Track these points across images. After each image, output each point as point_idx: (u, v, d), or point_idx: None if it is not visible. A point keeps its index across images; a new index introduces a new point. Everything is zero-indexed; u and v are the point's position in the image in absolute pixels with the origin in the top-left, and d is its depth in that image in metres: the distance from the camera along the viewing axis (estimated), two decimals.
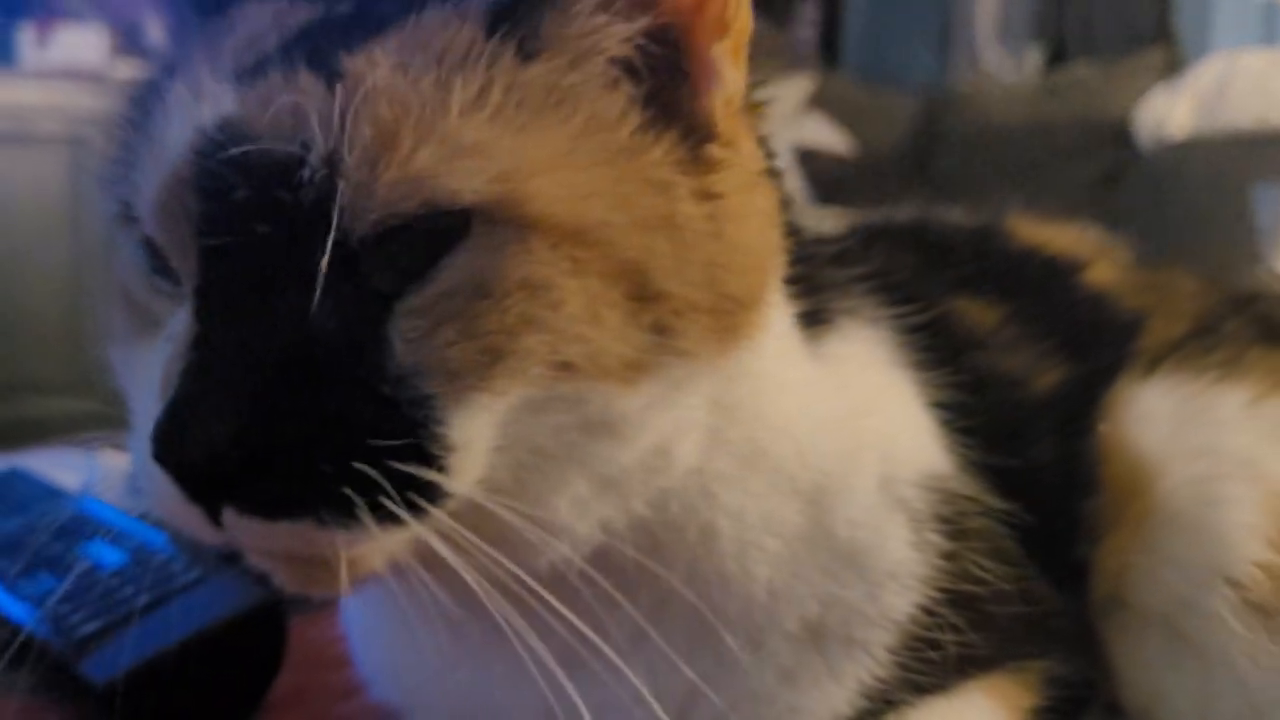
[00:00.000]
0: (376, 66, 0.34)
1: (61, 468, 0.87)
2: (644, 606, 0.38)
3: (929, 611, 0.41)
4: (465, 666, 0.42)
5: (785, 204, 0.44)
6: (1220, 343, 0.55)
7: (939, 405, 0.48)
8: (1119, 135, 3.07)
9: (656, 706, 0.37)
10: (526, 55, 0.36)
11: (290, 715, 0.56)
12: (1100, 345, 0.55)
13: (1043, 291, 0.58)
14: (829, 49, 4.47)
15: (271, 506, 0.32)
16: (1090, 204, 3.26)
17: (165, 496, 0.33)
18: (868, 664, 0.41)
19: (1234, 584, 0.46)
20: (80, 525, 0.69)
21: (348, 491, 0.32)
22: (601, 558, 0.38)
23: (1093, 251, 0.63)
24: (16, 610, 0.61)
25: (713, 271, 0.37)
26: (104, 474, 0.81)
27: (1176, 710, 0.47)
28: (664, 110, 0.38)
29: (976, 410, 0.50)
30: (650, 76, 0.38)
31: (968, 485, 0.44)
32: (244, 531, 0.33)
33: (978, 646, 0.42)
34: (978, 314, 0.56)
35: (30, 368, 2.95)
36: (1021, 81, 3.72)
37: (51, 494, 0.75)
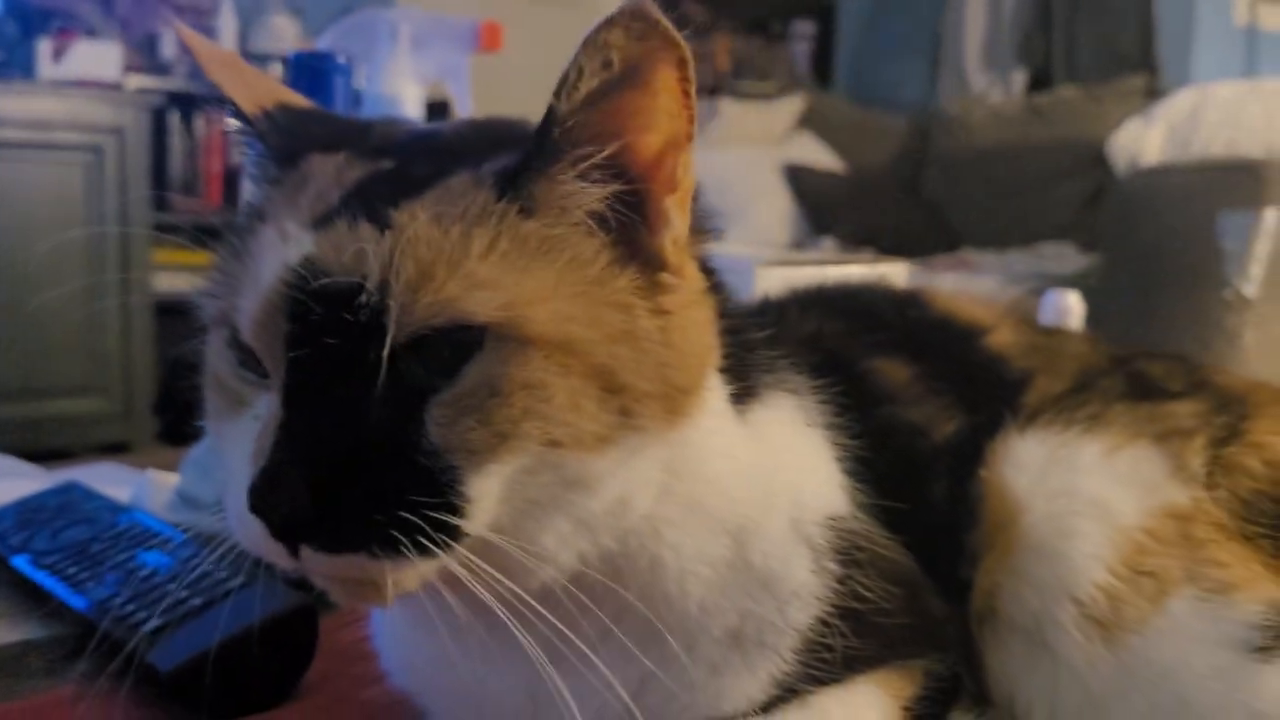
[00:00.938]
0: (416, 219, 0.45)
1: (108, 482, 0.98)
2: (608, 615, 0.49)
3: (824, 622, 0.52)
4: (467, 662, 0.53)
5: (724, 306, 0.55)
6: (1091, 399, 0.66)
7: (847, 454, 0.59)
8: (1100, 158, 3.18)
9: (619, 688, 0.49)
10: (525, 213, 0.47)
11: (321, 698, 0.67)
12: (991, 400, 0.66)
13: (948, 353, 0.69)
14: (822, 70, 4.57)
15: (337, 544, 0.43)
16: (1072, 224, 3.38)
17: (256, 537, 0.44)
18: (776, 662, 0.52)
19: (1077, 602, 0.57)
20: (135, 534, 0.80)
21: (394, 532, 0.43)
22: (577, 579, 0.49)
23: (996, 318, 0.74)
24: (88, 608, 0.72)
25: (663, 369, 0.48)
26: (151, 490, 0.93)
27: (1032, 703, 0.58)
28: (628, 249, 0.49)
29: (884, 455, 0.62)
30: (617, 225, 0.49)
31: (861, 523, 0.56)
32: (315, 562, 0.44)
33: (865, 648, 0.53)
34: (893, 372, 0.67)
35: (48, 370, 3.06)
36: (1007, 103, 3.83)
37: (108, 507, 0.86)
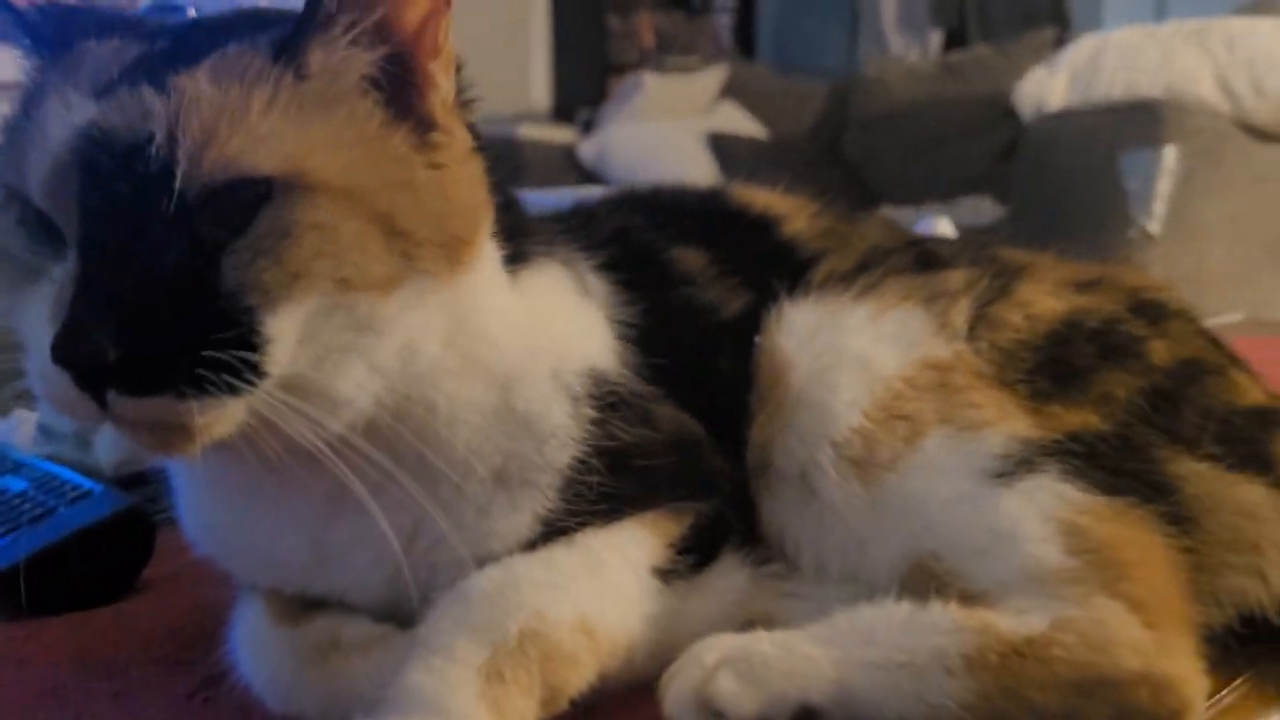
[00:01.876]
0: (197, 83, 0.50)
1: None
2: (389, 461, 0.52)
3: (582, 461, 0.57)
4: (259, 521, 0.57)
5: (497, 179, 0.59)
6: (872, 273, 0.71)
7: (632, 326, 0.64)
8: (1013, 111, 3.25)
9: (391, 536, 0.52)
10: (301, 76, 0.52)
11: (155, 594, 0.71)
12: (780, 279, 0.70)
13: (742, 240, 0.73)
14: (745, 41, 4.63)
15: (142, 387, 0.46)
16: (988, 176, 3.46)
17: (60, 390, 0.47)
18: (540, 499, 0.56)
19: (836, 445, 0.61)
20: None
21: (198, 371, 0.47)
22: (368, 425, 0.52)
23: (795, 210, 0.78)
24: None
25: (440, 218, 0.53)
26: (17, 426, 0.96)
27: (803, 541, 0.63)
28: (400, 109, 0.54)
29: (678, 331, 0.66)
30: (389, 86, 0.54)
31: (627, 379, 0.60)
32: (122, 408, 0.47)
33: (626, 488, 0.57)
34: (689, 259, 0.72)
35: None
36: (922, 63, 3.90)
37: None
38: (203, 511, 0.61)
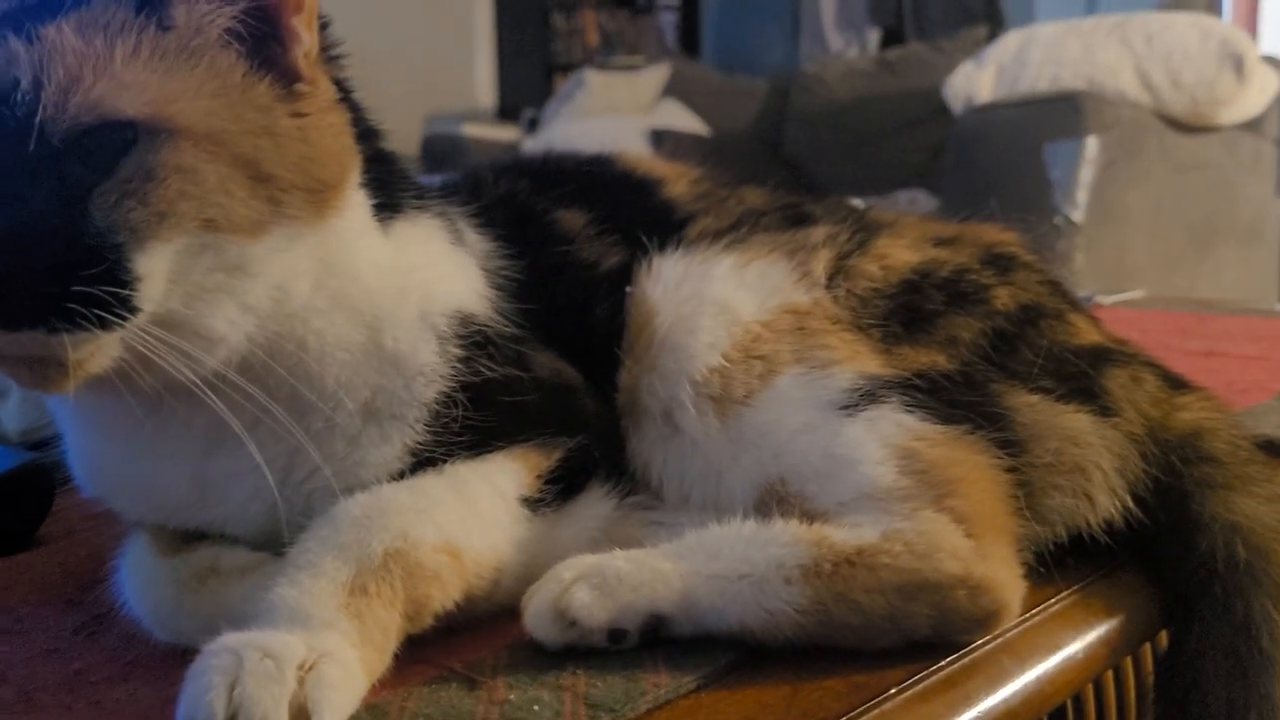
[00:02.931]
0: (63, 33, 0.53)
1: None
2: (265, 396, 0.56)
3: (449, 397, 0.61)
4: (141, 459, 0.60)
5: (367, 133, 0.63)
6: (743, 230, 0.75)
7: (510, 279, 0.67)
8: (946, 106, 3.33)
9: (265, 468, 0.56)
10: (164, 28, 0.55)
11: (56, 546, 0.73)
12: (655, 236, 0.74)
13: (621, 202, 0.78)
14: (689, 41, 4.69)
15: (13, 320, 0.49)
16: (923, 169, 3.53)
17: None
18: (409, 432, 0.60)
19: (695, 383, 0.65)
20: None
21: (69, 305, 0.49)
22: (243, 362, 0.56)
23: (677, 175, 0.83)
24: None
25: (305, 164, 0.56)
26: None
27: (666, 474, 0.67)
28: (264, 61, 0.57)
29: (558, 286, 0.71)
30: (252, 39, 0.57)
31: (497, 323, 0.64)
32: None
33: (494, 423, 0.61)
34: (570, 219, 0.76)
35: None
36: (860, 59, 3.97)
37: None
38: (89, 453, 0.64)
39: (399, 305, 0.61)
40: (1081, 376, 0.68)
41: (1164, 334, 1.42)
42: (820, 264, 0.72)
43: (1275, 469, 0.69)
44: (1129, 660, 0.67)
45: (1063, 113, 2.81)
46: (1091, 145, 2.78)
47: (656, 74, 4.01)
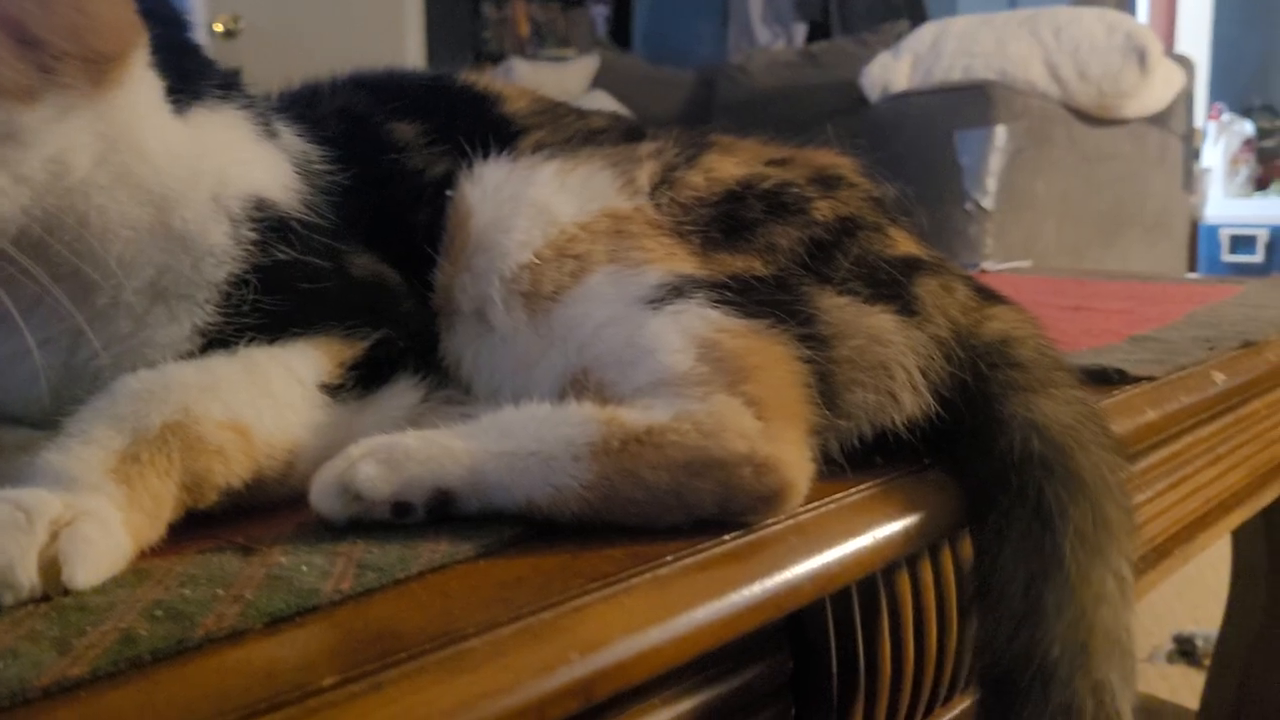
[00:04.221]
0: None
1: None
2: (45, 273, 0.55)
3: (241, 279, 0.61)
4: None
5: (168, 19, 0.63)
6: (573, 143, 0.76)
7: (328, 180, 0.68)
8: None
9: (34, 348, 0.55)
10: None
11: None
12: (486, 147, 0.75)
13: (456, 115, 0.78)
14: (620, 34, 4.71)
15: None
16: (842, 153, 3.58)
17: None
18: (197, 313, 0.60)
19: (505, 280, 0.66)
20: None
21: None
22: (20, 238, 0.55)
23: (519, 94, 0.83)
24: None
25: (78, 32, 0.55)
26: None
27: (478, 370, 0.68)
28: None
29: (385, 192, 0.71)
30: None
31: (293, 208, 0.64)
32: None
33: (289, 309, 0.61)
34: (403, 130, 0.76)
35: None
36: (785, 51, 4.03)
37: None
38: None
39: (190, 186, 0.60)
40: (893, 284, 0.70)
41: (1041, 293, 1.46)
42: (645, 174, 0.73)
43: (1076, 376, 0.71)
44: (926, 563, 0.68)
45: (973, 101, 2.87)
46: (1000, 134, 2.84)
47: (585, 65, 4.02)
